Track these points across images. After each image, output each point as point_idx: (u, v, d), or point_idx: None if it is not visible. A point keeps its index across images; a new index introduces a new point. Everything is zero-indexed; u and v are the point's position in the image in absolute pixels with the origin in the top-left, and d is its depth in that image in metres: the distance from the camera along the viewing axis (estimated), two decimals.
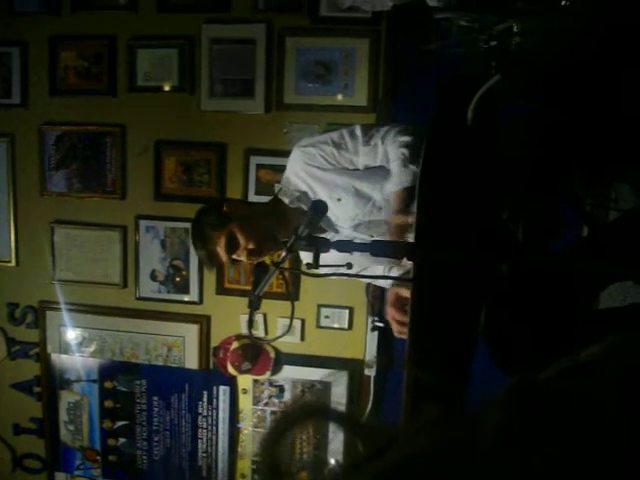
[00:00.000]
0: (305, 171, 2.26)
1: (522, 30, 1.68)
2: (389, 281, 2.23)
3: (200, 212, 2.32)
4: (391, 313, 1.95)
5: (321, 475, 0.68)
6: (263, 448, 0.66)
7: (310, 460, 3.38)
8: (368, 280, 2.51)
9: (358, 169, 2.24)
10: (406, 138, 2.09)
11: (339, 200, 2.23)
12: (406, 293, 1.88)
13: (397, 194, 2.05)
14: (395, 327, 1.95)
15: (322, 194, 2.25)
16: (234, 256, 2.18)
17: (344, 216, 2.26)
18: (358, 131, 2.22)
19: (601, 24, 1.66)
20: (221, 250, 2.17)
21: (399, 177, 2.05)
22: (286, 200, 2.29)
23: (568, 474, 0.52)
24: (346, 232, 2.28)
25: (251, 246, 2.16)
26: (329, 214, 2.22)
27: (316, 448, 3.42)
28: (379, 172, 2.21)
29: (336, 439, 3.43)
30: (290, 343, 3.44)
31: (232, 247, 2.16)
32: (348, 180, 2.23)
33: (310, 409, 0.78)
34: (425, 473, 0.55)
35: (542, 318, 1.73)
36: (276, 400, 3.55)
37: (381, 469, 0.57)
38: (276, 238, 2.19)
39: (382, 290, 2.54)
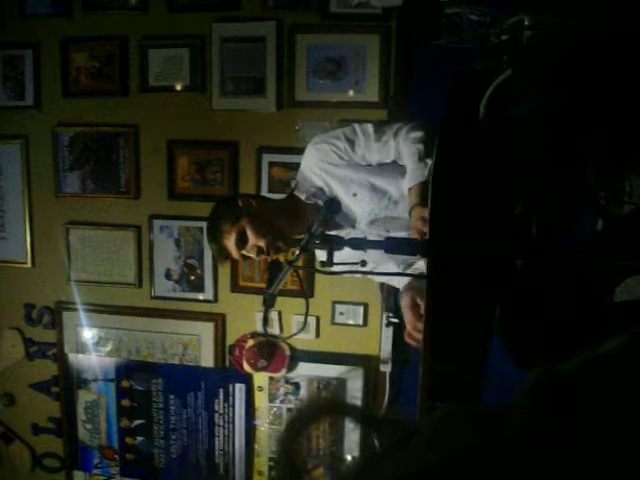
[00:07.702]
0: (320, 167, 2.27)
1: (533, 24, 1.67)
2: (403, 281, 2.23)
3: (217, 205, 2.33)
4: (408, 317, 1.96)
5: (338, 471, 0.68)
6: (280, 445, 0.66)
7: (326, 456, 3.38)
8: (381, 278, 2.50)
9: (371, 165, 2.24)
10: (419, 134, 2.09)
11: (355, 195, 2.23)
12: (422, 298, 1.89)
13: (415, 189, 2.05)
14: (407, 332, 1.98)
15: (338, 190, 2.26)
16: (243, 252, 2.19)
17: (361, 211, 2.26)
18: (370, 128, 2.22)
19: (614, 17, 1.64)
20: (231, 245, 2.19)
21: (415, 172, 2.05)
22: (302, 196, 2.29)
23: (598, 467, 0.52)
24: (362, 228, 2.28)
25: (260, 244, 2.17)
26: (346, 210, 2.22)
27: (332, 444, 3.43)
28: (393, 167, 2.21)
29: (352, 435, 3.43)
30: (305, 340, 3.45)
31: (242, 243, 2.17)
32: (363, 175, 2.23)
33: (326, 405, 0.78)
34: (457, 472, 0.55)
35: (557, 313, 1.72)
36: (292, 397, 3.56)
37: (413, 471, 0.57)
38: (287, 237, 2.20)
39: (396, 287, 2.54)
